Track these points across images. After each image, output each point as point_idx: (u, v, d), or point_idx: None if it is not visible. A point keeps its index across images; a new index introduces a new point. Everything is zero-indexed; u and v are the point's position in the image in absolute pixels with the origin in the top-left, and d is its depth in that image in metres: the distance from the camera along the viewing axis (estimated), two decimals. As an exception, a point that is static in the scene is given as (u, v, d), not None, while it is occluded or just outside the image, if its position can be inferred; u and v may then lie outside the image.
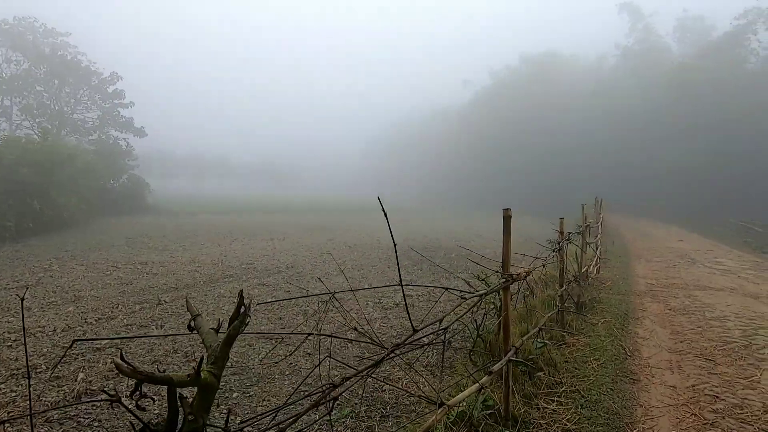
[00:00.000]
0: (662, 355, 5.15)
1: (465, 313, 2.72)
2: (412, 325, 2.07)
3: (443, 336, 2.42)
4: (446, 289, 2.81)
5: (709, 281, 9.33)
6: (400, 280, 1.88)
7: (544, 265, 4.67)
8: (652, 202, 32.86)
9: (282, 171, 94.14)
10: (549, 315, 4.92)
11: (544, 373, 4.22)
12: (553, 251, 4.83)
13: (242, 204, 45.79)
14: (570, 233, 5.82)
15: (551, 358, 4.49)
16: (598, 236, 9.80)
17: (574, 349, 5.10)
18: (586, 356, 4.94)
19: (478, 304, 2.82)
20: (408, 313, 2.18)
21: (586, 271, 7.61)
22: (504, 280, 3.15)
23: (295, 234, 22.59)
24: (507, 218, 3.23)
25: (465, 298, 2.59)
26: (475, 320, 4.51)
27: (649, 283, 9.23)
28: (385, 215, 1.78)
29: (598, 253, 9.41)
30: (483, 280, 3.78)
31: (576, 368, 4.59)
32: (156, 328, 7.60)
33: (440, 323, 2.30)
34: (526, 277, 3.41)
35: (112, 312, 8.40)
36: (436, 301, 8.93)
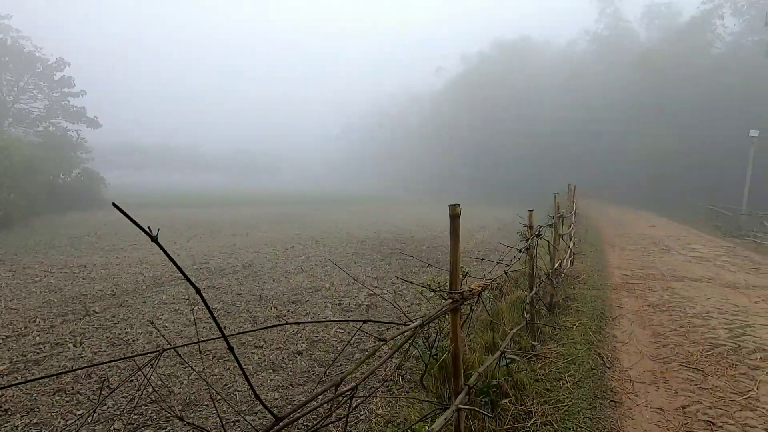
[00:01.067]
0: (644, 364, 4.52)
1: (387, 359, 1.89)
2: (273, 414, 1.22)
3: (347, 404, 1.58)
4: (365, 321, 1.98)
5: (686, 271, 8.89)
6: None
7: (507, 273, 3.90)
8: (624, 188, 33.10)
9: (256, 162, 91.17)
10: (516, 330, 4.18)
11: (511, 401, 3.48)
12: (520, 251, 4.07)
13: (210, 197, 43.97)
14: (540, 227, 5.09)
15: (519, 380, 3.74)
16: (572, 226, 9.21)
17: (547, 363, 4.40)
18: (559, 372, 4.24)
19: (410, 340, 1.99)
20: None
21: (560, 266, 6.96)
22: (451, 300, 2.34)
23: (261, 228, 21.46)
24: (454, 217, 2.43)
25: (384, 340, 1.77)
26: (426, 339, 3.71)
27: (624, 274, 8.71)
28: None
29: (572, 244, 8.81)
30: (437, 290, 3.01)
31: (548, 390, 3.88)
32: (73, 346, 6.56)
33: (336, 388, 1.46)
34: (481, 293, 2.61)
35: (25, 327, 7.27)
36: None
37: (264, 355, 6.44)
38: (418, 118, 65.65)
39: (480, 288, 2.52)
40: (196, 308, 8.49)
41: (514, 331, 4.04)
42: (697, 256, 10.68)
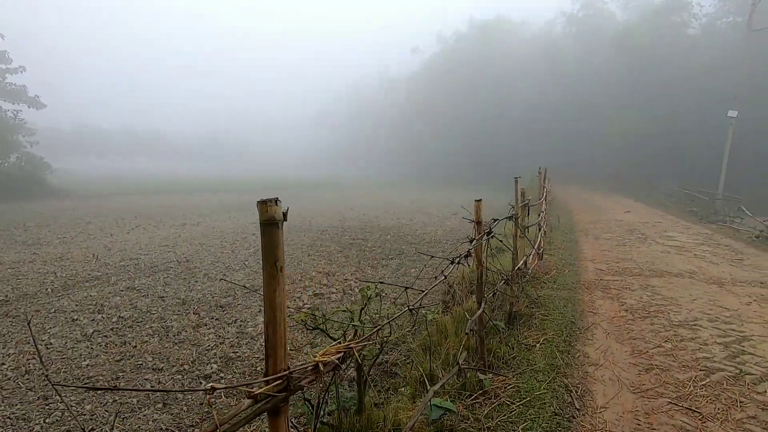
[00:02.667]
0: (624, 399, 3.45)
1: None
2: None
3: None
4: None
5: (666, 264, 7.98)
6: None
7: (447, 278, 2.71)
8: (600, 171, 32.65)
9: (225, 147, 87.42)
10: (447, 379, 3.01)
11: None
12: (452, 263, 2.88)
13: (172, 184, 41.62)
14: (496, 221, 3.92)
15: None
16: (542, 214, 8.14)
17: (496, 406, 3.27)
18: (512, 421, 3.11)
19: None
20: None
21: (525, 264, 5.86)
22: (263, 402, 1.11)
23: (215, 217, 19.87)
24: (268, 225, 1.19)
25: None
26: (308, 401, 2.49)
27: (599, 269, 7.73)
28: None
29: (541, 235, 7.75)
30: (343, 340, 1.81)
31: (493, 458, 2.74)
32: None
33: None
34: (336, 369, 1.40)
35: None
36: None
37: (160, 382, 5.16)
38: (394, 100, 63.90)
39: (330, 362, 1.30)
40: (100, 316, 7.11)
41: (445, 380, 2.87)
42: (676, 245, 9.84)
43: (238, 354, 5.84)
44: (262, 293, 1.29)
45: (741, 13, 27.78)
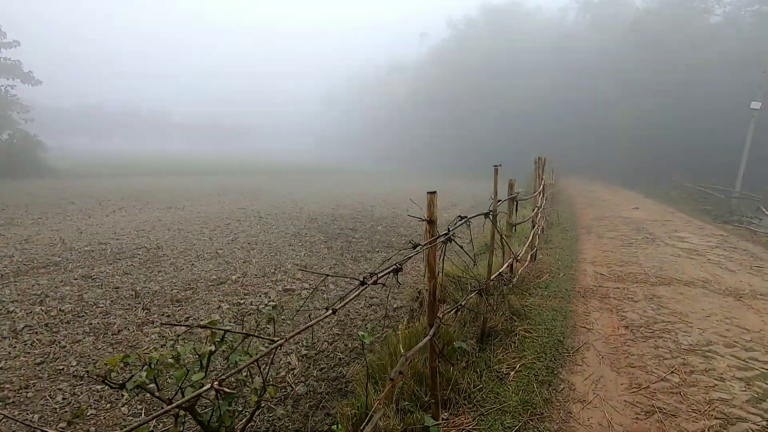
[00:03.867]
0: (613, 459, 2.63)
1: None
2: None
3: None
4: None
5: (675, 269, 7.07)
6: None
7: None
8: (610, 164, 31.39)
9: (231, 129, 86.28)
10: (376, 420, 2.20)
11: None
12: (364, 283, 2.04)
13: (169, 165, 40.99)
14: (463, 219, 3.08)
15: None
16: (537, 209, 7.25)
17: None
18: (458, 493, 2.31)
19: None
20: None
21: (510, 268, 5.03)
22: None
23: (205, 201, 19.16)
24: None
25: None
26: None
27: (599, 273, 6.85)
28: None
29: (535, 233, 6.88)
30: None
31: None
32: None
33: None
34: None
35: None
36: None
37: (74, 394, 4.44)
38: (401, 87, 62.44)
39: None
40: (39, 308, 6.41)
41: (374, 422, 2.07)
42: (687, 248, 8.90)
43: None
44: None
45: (767, 1, 26.13)
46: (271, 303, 7.23)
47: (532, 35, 44.10)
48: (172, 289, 7.57)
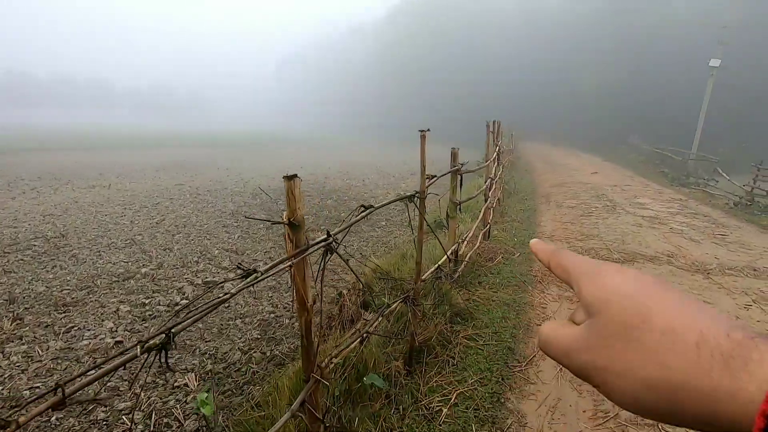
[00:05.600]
0: None
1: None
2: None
3: None
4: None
5: (639, 242, 6.46)
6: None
7: None
8: (569, 128, 31.22)
9: (179, 98, 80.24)
10: None
11: None
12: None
13: (106, 138, 37.58)
14: (367, 207, 2.05)
15: None
16: (491, 180, 6.37)
17: None
18: None
19: None
20: None
21: (455, 256, 4.14)
22: None
23: (137, 177, 17.26)
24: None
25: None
26: None
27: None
28: None
29: (486, 208, 6.01)
30: None
31: None
32: None
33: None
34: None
35: None
36: None
37: None
38: (360, 50, 59.62)
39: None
40: None
41: None
42: (649, 215, 8.38)
43: (30, 393, 3.96)
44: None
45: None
46: (183, 301, 6.11)
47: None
48: (62, 290, 6.27)
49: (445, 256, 3.99)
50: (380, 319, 2.56)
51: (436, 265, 3.52)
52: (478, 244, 5.61)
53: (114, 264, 7.38)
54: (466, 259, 4.96)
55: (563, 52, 34.38)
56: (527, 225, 7.61)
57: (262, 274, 1.44)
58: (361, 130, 52.17)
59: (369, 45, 57.11)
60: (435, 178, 3.33)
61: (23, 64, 68.65)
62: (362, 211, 2.23)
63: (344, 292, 3.78)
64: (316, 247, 1.71)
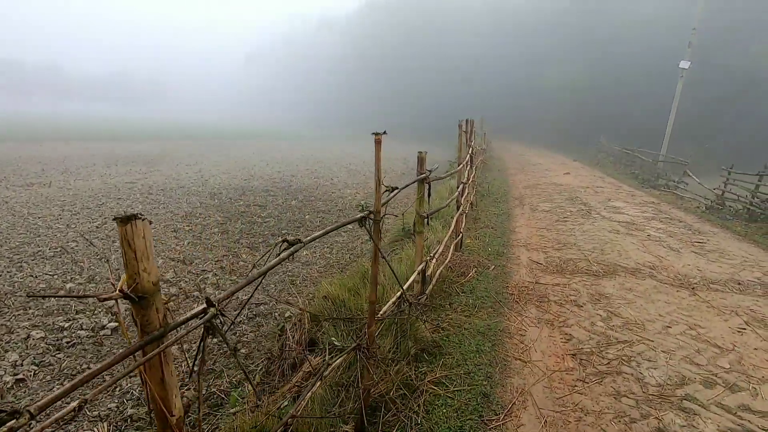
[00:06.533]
0: None
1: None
2: None
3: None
4: None
5: (618, 252, 6.07)
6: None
7: None
8: (540, 127, 31.36)
9: (138, 87, 75.92)
10: None
11: None
12: None
13: (57, 129, 35.04)
14: (288, 244, 1.38)
15: None
16: (463, 185, 5.82)
17: None
18: None
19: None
20: None
21: (422, 276, 3.55)
22: None
23: (83, 173, 15.86)
24: None
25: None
26: None
27: (534, 262, 5.66)
28: None
29: (459, 216, 5.46)
30: None
31: None
32: None
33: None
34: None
35: None
36: None
37: None
38: (330, 45, 58.33)
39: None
40: None
41: None
42: (624, 220, 8.08)
43: None
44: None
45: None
46: (111, 324, 5.27)
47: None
48: (-37, 311, 5.31)
49: (411, 280, 3.38)
50: (318, 383, 1.92)
51: (398, 295, 2.90)
52: (449, 257, 5.04)
53: (36, 278, 6.42)
54: (436, 275, 4.38)
55: (530, 52, 34.52)
56: (501, 232, 7.12)
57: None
58: (332, 126, 51.09)
59: (339, 40, 55.95)
60: (396, 191, 2.72)
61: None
62: (286, 248, 1.59)
63: (287, 326, 3.11)
64: (184, 331, 1.04)
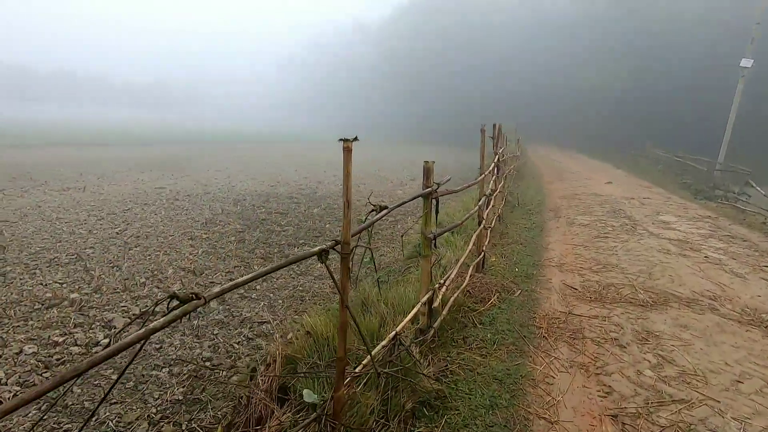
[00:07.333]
0: None
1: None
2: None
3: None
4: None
5: (669, 277, 5.22)
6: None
7: None
8: (579, 132, 29.80)
9: (176, 95, 79.23)
10: None
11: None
12: None
13: (101, 134, 36.77)
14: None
15: None
16: (486, 197, 5.18)
17: None
18: None
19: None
20: None
21: (428, 311, 2.98)
22: None
23: (117, 178, 16.24)
24: None
25: None
26: None
27: (568, 287, 4.92)
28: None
29: (479, 232, 4.83)
30: None
31: None
32: None
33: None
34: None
35: None
36: None
37: None
38: (364, 51, 58.52)
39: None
40: None
41: None
42: (676, 238, 7.13)
43: None
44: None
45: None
46: (105, 340, 5.00)
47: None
48: (-38, 322, 5.19)
49: (410, 315, 2.81)
50: None
51: (404, 321, 2.34)
52: (467, 279, 4.42)
53: (45, 286, 6.29)
54: (449, 303, 3.78)
55: (571, 54, 33.01)
56: (532, 249, 6.39)
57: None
58: (364, 130, 51.07)
59: (372, 45, 56.04)
60: (385, 211, 2.18)
61: (22, 59, 67.96)
62: (175, 306, 1.07)
63: (259, 368, 2.63)
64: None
